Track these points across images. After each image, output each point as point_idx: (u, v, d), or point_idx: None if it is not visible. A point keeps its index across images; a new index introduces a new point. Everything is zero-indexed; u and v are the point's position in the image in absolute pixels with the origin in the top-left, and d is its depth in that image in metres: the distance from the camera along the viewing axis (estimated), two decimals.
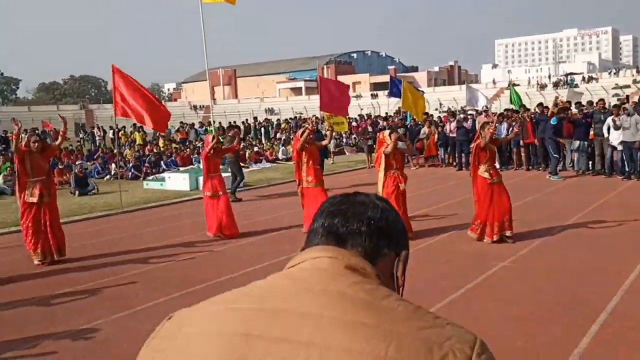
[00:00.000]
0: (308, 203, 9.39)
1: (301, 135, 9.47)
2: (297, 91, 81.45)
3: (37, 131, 28.68)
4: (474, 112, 22.38)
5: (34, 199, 7.99)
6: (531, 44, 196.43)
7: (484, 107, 22.35)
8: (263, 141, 29.28)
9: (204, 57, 17.04)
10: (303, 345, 0.92)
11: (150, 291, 6.61)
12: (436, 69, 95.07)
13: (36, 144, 8.06)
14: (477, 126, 17.92)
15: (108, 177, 19.29)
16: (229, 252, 8.50)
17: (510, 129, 15.80)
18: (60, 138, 8.80)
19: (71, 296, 6.59)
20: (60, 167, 18.21)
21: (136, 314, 5.85)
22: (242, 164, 21.02)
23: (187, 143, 27.44)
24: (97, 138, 33.62)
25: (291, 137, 28.25)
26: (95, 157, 22.48)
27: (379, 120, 27.01)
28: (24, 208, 8.08)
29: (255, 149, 24.46)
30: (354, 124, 30.39)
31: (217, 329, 0.98)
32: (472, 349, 0.93)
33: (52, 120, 37.95)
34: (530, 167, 17.09)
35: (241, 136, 14.65)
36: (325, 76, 56.32)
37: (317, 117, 24.52)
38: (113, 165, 19.84)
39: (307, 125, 10.32)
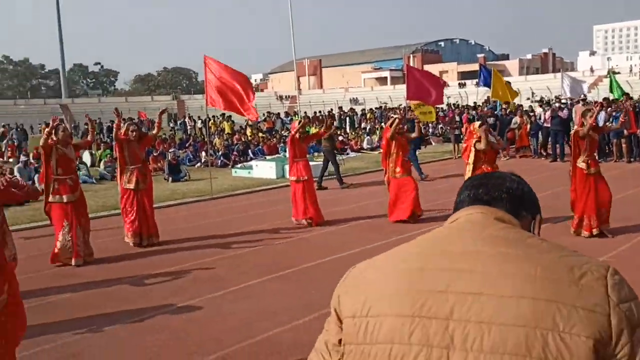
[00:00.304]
0: (393, 191, 9.31)
1: (391, 125, 9.41)
2: (382, 81, 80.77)
3: (134, 120, 30.20)
4: (568, 101, 21.30)
5: (131, 186, 8.41)
6: (634, 29, 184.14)
7: (581, 96, 21.22)
8: (348, 131, 29.29)
9: (291, 47, 17.31)
10: (466, 272, 1.17)
11: (241, 274, 6.78)
12: (529, 56, 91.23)
13: (134, 133, 8.47)
14: (574, 115, 17.06)
15: (199, 164, 19.95)
16: (314, 240, 8.56)
17: (611, 119, 14.89)
18: (156, 128, 9.19)
19: (166, 276, 6.88)
20: (154, 154, 19.07)
21: (229, 295, 6.03)
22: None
23: (273, 132, 27.92)
24: (189, 127, 34.87)
25: (376, 127, 28.11)
26: (187, 145, 23.31)
27: (467, 110, 26.29)
28: (122, 193, 8.55)
29: (340, 138, 24.51)
30: (440, 113, 29.75)
31: (395, 267, 1.26)
32: (606, 270, 1.14)
33: (147, 110, 39.81)
34: (632, 159, 16.06)
35: (334, 124, 14.65)
36: (412, 65, 55.50)
37: (404, 107, 24.20)
38: (203, 154, 20.49)
39: (396, 115, 10.19)
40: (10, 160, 18.51)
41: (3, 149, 23.33)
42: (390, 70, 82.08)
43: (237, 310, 5.56)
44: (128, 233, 8.48)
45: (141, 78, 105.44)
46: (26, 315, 3.71)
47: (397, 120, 9.39)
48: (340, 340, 1.27)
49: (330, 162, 14.00)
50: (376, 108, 38.25)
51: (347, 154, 21.64)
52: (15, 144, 25.37)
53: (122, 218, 8.67)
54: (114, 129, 8.73)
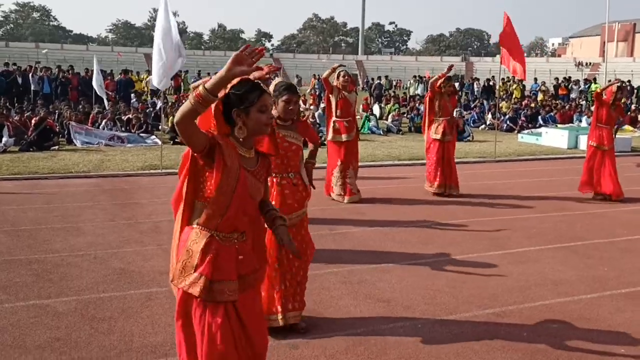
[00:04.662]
0: None
1: None
2: None
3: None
4: None
5: (437, 136, 8.68)
6: None
7: None
8: None
9: (598, 9, 15.42)
10: None
11: (522, 238, 6.52)
12: None
13: (451, 88, 8.83)
14: None
15: (483, 126, 19.57)
16: (609, 215, 7.72)
17: None
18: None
19: (444, 227, 6.96)
20: None
21: (507, 256, 5.85)
22: None
23: (568, 100, 25.84)
24: (476, 90, 34.24)
25: None
26: (472, 106, 22.99)
27: None
28: (428, 144, 8.86)
29: None
30: None
31: None
32: None
33: (434, 71, 40.22)
34: None
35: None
36: None
37: None
38: (489, 116, 20.03)
39: None
40: (311, 107, 20.53)
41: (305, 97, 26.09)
42: None
43: (514, 272, 5.34)
44: (429, 181, 8.79)
45: (433, 38, 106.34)
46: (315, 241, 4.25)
47: None
48: None
49: None
50: None
51: None
52: (317, 93, 28.08)
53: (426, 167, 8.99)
54: (431, 81, 9.02)
